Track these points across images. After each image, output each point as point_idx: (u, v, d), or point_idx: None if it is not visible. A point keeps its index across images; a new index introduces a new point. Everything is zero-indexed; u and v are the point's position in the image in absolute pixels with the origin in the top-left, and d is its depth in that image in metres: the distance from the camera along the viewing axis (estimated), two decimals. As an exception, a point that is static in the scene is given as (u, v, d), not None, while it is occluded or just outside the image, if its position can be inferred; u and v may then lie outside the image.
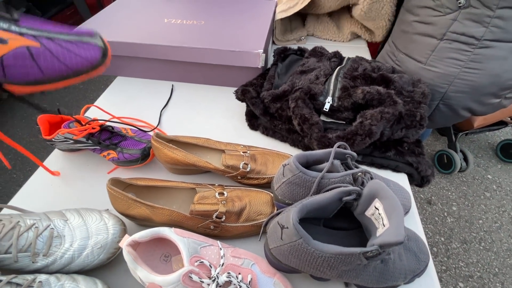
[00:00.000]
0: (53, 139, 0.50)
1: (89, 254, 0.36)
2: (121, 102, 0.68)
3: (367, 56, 0.81)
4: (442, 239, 1.28)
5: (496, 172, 1.54)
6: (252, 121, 0.61)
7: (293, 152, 0.56)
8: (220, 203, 0.41)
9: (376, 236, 0.30)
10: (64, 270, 0.36)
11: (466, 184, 1.49)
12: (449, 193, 1.45)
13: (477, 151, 1.65)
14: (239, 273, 0.34)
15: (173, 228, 0.35)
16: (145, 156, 0.50)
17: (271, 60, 0.77)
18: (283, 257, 0.33)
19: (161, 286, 0.31)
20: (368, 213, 0.33)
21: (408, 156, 0.51)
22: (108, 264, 0.39)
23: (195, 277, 0.31)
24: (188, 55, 0.65)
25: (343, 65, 0.61)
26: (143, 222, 0.43)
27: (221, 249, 0.35)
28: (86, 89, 2.07)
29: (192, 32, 0.68)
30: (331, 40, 0.89)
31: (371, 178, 0.38)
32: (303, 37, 0.88)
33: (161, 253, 0.38)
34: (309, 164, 0.40)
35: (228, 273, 0.32)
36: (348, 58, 0.64)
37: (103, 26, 0.70)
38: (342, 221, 0.38)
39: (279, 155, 0.51)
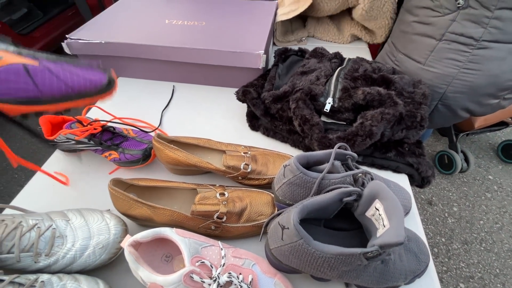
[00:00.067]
0: (55, 140, 0.51)
1: (91, 254, 0.36)
2: (123, 103, 0.68)
3: (368, 57, 0.82)
4: (443, 239, 1.28)
5: (497, 172, 1.54)
6: (253, 121, 0.61)
7: (293, 152, 0.57)
8: (221, 204, 0.41)
9: (377, 236, 0.31)
10: (66, 270, 0.36)
11: (467, 184, 1.49)
12: (450, 194, 1.45)
13: (478, 151, 1.65)
14: (240, 273, 0.34)
15: (174, 228, 0.35)
16: (146, 156, 0.50)
17: (271, 61, 0.78)
18: (283, 258, 0.33)
19: (162, 286, 0.31)
20: (369, 213, 0.33)
21: (408, 157, 0.51)
22: (110, 264, 0.39)
23: (196, 277, 0.31)
24: (189, 56, 0.65)
25: (343, 66, 0.61)
26: (145, 223, 0.43)
27: (222, 249, 0.35)
28: (87, 90, 2.07)
29: (193, 33, 0.68)
30: (331, 41, 0.89)
31: (372, 179, 0.38)
32: (303, 38, 0.88)
33: (162, 253, 0.38)
34: (309, 165, 0.40)
35: (229, 273, 0.33)
36: (349, 59, 0.64)
37: (105, 27, 0.71)
38: (343, 221, 0.38)
39: (279, 155, 0.51)
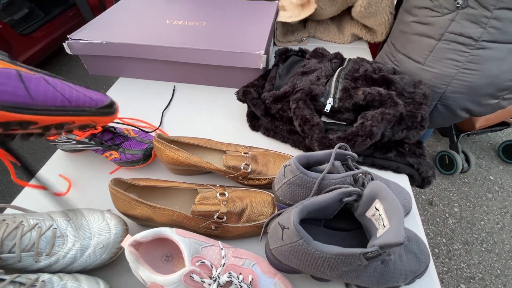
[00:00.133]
0: (56, 140, 0.51)
1: (91, 254, 0.37)
2: (123, 103, 0.68)
3: (368, 57, 0.81)
4: (444, 240, 1.28)
5: (498, 173, 1.54)
6: (253, 122, 0.61)
7: (294, 153, 0.57)
8: (221, 204, 0.41)
9: (377, 237, 0.31)
10: (67, 270, 0.36)
11: (468, 185, 1.49)
12: (451, 194, 1.45)
13: (479, 152, 1.65)
14: (240, 273, 0.34)
15: (174, 228, 0.35)
16: (147, 156, 0.51)
17: (272, 61, 0.78)
18: (283, 258, 0.33)
19: (162, 286, 0.31)
20: (369, 214, 0.33)
21: (409, 157, 0.51)
22: (110, 264, 0.39)
23: (196, 277, 0.31)
24: (189, 56, 0.65)
25: (344, 66, 0.61)
26: (145, 222, 0.43)
27: (222, 249, 0.35)
28: (88, 90, 2.08)
29: (194, 33, 0.68)
30: (332, 41, 0.89)
31: (372, 179, 0.38)
32: (304, 39, 0.88)
33: (162, 253, 0.38)
34: (309, 165, 0.40)
35: (229, 273, 0.33)
36: (349, 59, 0.64)
37: (105, 27, 0.71)
38: (343, 222, 0.38)
39: (280, 156, 0.51)
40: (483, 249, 1.25)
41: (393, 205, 0.30)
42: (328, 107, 0.53)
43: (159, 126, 0.61)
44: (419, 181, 0.52)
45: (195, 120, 0.64)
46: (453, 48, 0.60)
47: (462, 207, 1.40)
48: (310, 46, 0.85)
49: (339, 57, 0.64)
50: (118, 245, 0.38)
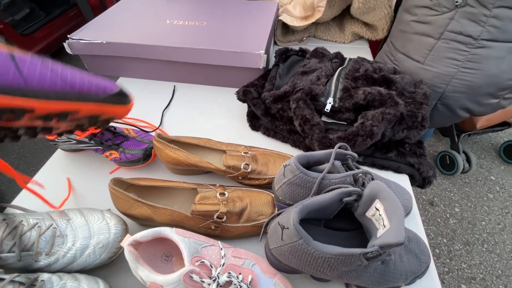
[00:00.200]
0: (56, 139, 0.51)
1: (91, 254, 0.37)
2: (123, 103, 0.68)
3: (369, 57, 0.81)
4: (445, 240, 1.28)
5: (499, 173, 1.53)
6: (253, 121, 0.61)
7: (294, 152, 0.56)
8: (221, 204, 0.41)
9: (377, 237, 0.30)
10: (66, 269, 0.36)
11: (469, 185, 1.48)
12: (452, 195, 1.45)
13: (480, 152, 1.64)
14: (240, 273, 0.34)
15: (174, 228, 0.35)
16: (147, 156, 0.50)
17: (272, 61, 0.77)
18: (283, 258, 0.33)
19: (162, 285, 0.31)
20: (369, 214, 0.33)
21: (409, 157, 0.51)
22: (110, 264, 0.39)
23: (195, 277, 0.31)
24: (190, 56, 0.65)
25: (344, 65, 0.61)
26: (145, 222, 0.43)
27: (222, 249, 0.35)
28: (89, 90, 2.08)
29: (194, 33, 0.68)
30: (332, 41, 0.89)
31: (372, 179, 0.38)
32: (304, 38, 0.88)
33: (162, 253, 0.38)
34: (310, 165, 0.40)
35: (229, 273, 0.33)
36: (350, 59, 0.64)
37: (106, 27, 0.71)
38: (343, 222, 0.38)
39: (280, 155, 0.51)
40: (484, 249, 1.24)
41: (394, 205, 0.30)
42: (328, 107, 0.53)
43: (159, 126, 0.61)
44: (420, 181, 0.52)
45: (195, 120, 0.64)
46: (453, 47, 0.60)
47: (463, 207, 1.39)
48: (310, 45, 0.85)
49: (339, 57, 0.64)
50: (117, 245, 0.38)
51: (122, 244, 0.33)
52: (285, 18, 0.80)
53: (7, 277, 0.31)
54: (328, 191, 0.35)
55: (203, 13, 0.77)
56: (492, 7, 0.53)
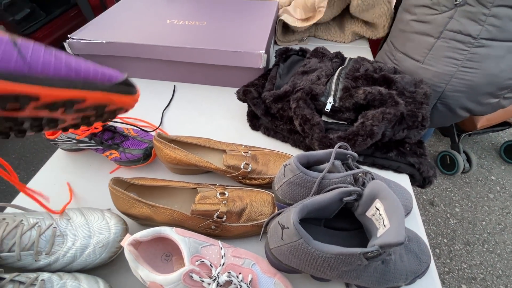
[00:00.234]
0: (56, 139, 0.51)
1: (91, 253, 0.37)
2: (124, 103, 0.68)
3: (369, 56, 0.81)
4: (445, 240, 1.27)
5: (500, 173, 1.53)
6: (254, 121, 0.61)
7: (294, 152, 0.56)
8: (221, 203, 0.41)
9: (377, 236, 0.30)
10: (66, 269, 0.36)
11: (469, 185, 1.48)
12: (452, 194, 1.44)
13: (481, 152, 1.64)
14: (240, 273, 0.34)
15: (174, 227, 0.35)
16: (147, 156, 0.50)
17: (272, 60, 0.77)
18: (283, 257, 0.33)
19: (162, 285, 0.31)
20: (369, 213, 0.33)
21: (409, 156, 0.51)
22: (110, 263, 0.39)
23: (195, 277, 0.31)
24: (190, 56, 0.65)
25: (344, 65, 0.61)
26: (145, 222, 0.43)
27: (221, 248, 0.35)
28: (89, 90, 2.08)
29: (194, 33, 0.68)
30: (332, 41, 0.89)
31: (372, 179, 0.38)
32: (305, 38, 0.88)
33: (162, 253, 0.38)
34: (310, 165, 0.40)
35: (229, 272, 0.33)
36: (350, 59, 0.64)
37: (106, 27, 0.71)
38: (343, 221, 0.38)
39: (280, 155, 0.51)
40: (485, 249, 1.24)
41: (394, 205, 0.30)
42: (328, 107, 0.53)
43: (159, 126, 0.61)
44: (420, 181, 0.52)
45: (195, 120, 0.64)
46: (452, 46, 0.60)
47: (463, 207, 1.39)
48: (310, 45, 0.85)
49: (339, 57, 0.64)
50: (117, 244, 0.38)
51: (122, 243, 0.33)
52: (286, 18, 0.80)
53: (7, 276, 0.31)
54: (328, 191, 0.34)
55: (203, 13, 0.77)
56: (491, 6, 0.53)
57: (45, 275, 0.33)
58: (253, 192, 0.45)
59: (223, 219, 0.40)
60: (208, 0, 0.84)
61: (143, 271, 0.32)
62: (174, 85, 0.73)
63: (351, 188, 0.33)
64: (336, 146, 0.37)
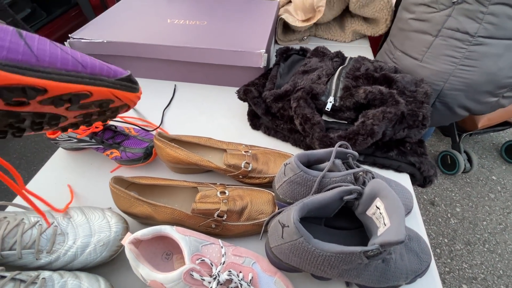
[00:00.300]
0: (57, 138, 0.51)
1: (91, 252, 0.37)
2: (124, 102, 0.68)
3: (370, 56, 0.81)
4: (446, 240, 1.27)
5: (501, 173, 1.53)
6: (254, 120, 0.61)
7: (294, 151, 0.56)
8: (222, 202, 0.41)
9: (377, 235, 0.30)
10: (67, 267, 0.36)
11: (470, 185, 1.48)
12: (453, 194, 1.44)
13: (481, 152, 1.64)
14: (240, 272, 0.34)
15: (174, 226, 0.35)
16: (147, 155, 0.51)
17: (273, 60, 0.78)
18: (284, 256, 0.33)
19: (162, 283, 0.31)
20: (369, 212, 0.33)
21: (410, 156, 0.51)
22: (111, 262, 0.39)
23: (196, 275, 0.31)
24: (190, 55, 0.65)
25: (345, 65, 0.61)
26: (145, 221, 0.43)
27: (222, 247, 0.35)
28: (90, 89, 2.09)
29: (195, 32, 0.68)
30: (333, 40, 0.89)
31: (373, 178, 0.38)
32: (305, 37, 0.88)
33: (162, 251, 0.38)
34: (310, 164, 0.40)
35: (229, 271, 0.33)
36: (350, 58, 0.64)
37: (107, 26, 0.71)
38: (343, 220, 0.38)
39: (280, 154, 0.51)
40: (486, 249, 1.24)
41: (394, 204, 0.30)
42: (329, 106, 0.53)
43: (159, 125, 0.62)
44: (421, 180, 0.52)
45: (196, 119, 0.64)
46: (450, 44, 0.60)
47: (464, 207, 1.39)
48: (311, 45, 0.85)
49: (340, 56, 0.64)
50: (118, 243, 0.38)
51: (122, 242, 0.34)
52: (287, 17, 0.80)
53: (8, 274, 0.31)
54: (329, 190, 0.35)
55: (203, 12, 0.77)
56: (488, 4, 0.53)
57: (46, 274, 0.33)
58: (254, 191, 0.45)
59: (224, 218, 0.40)
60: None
61: (143, 270, 0.32)
62: (175, 85, 0.73)
63: (352, 187, 0.33)
64: (337, 145, 0.37)
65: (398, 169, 0.52)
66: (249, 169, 0.46)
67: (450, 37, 0.60)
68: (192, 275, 0.31)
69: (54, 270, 0.35)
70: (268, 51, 0.65)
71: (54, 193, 0.50)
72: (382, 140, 0.50)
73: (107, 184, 0.49)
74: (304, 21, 0.82)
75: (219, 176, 0.52)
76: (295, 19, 0.82)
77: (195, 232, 0.36)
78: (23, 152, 1.67)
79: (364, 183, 0.35)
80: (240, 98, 0.60)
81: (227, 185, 0.45)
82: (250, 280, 0.33)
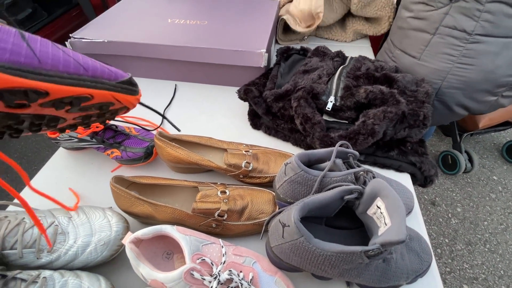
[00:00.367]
0: (58, 138, 0.51)
1: (92, 251, 0.37)
2: (125, 102, 0.68)
3: (370, 55, 0.81)
4: (446, 240, 1.27)
5: (502, 173, 1.53)
6: (255, 120, 0.61)
7: (295, 151, 0.56)
8: (222, 202, 0.41)
9: (378, 235, 0.30)
10: (68, 267, 0.36)
11: (471, 185, 1.48)
12: (454, 194, 1.44)
13: (482, 152, 1.64)
14: (241, 271, 0.34)
15: (175, 226, 0.35)
16: (148, 154, 0.51)
17: (274, 59, 0.77)
18: (284, 256, 0.33)
19: (163, 283, 0.31)
20: (370, 212, 0.33)
21: (411, 155, 0.50)
22: (111, 261, 0.39)
23: (196, 275, 0.31)
24: (191, 55, 0.65)
25: (346, 64, 0.61)
26: (146, 220, 0.43)
27: (222, 247, 0.35)
28: (91, 89, 2.09)
29: (196, 32, 0.68)
30: (334, 40, 0.89)
31: (373, 177, 0.38)
32: (306, 37, 0.88)
33: (163, 251, 0.38)
34: (311, 163, 0.40)
35: (230, 270, 0.33)
36: (351, 58, 0.64)
37: (108, 26, 0.71)
38: (344, 220, 0.38)
39: (281, 154, 0.51)
40: (486, 249, 1.24)
41: (395, 203, 0.30)
42: (329, 106, 0.53)
43: (160, 125, 0.62)
44: (421, 180, 0.52)
45: (197, 119, 0.64)
46: (448, 42, 0.60)
47: (465, 207, 1.39)
48: (312, 44, 0.85)
49: (341, 56, 0.64)
50: (119, 242, 0.38)
51: (123, 241, 0.34)
52: (288, 19, 0.80)
53: (9, 273, 0.31)
54: (329, 189, 0.34)
55: (204, 12, 0.77)
56: (485, 1, 0.53)
57: (46, 273, 0.33)
58: (254, 191, 0.45)
59: (224, 218, 0.40)
60: (209, -1, 0.84)
61: (144, 269, 0.32)
62: (175, 84, 0.73)
63: (352, 186, 0.33)
64: (337, 144, 0.37)
65: (399, 169, 0.52)
66: (250, 168, 0.46)
67: (448, 35, 0.60)
68: (193, 275, 0.31)
69: (55, 269, 0.35)
70: (268, 50, 0.65)
71: (55, 193, 0.49)
72: (383, 139, 0.50)
73: (108, 183, 0.49)
74: (305, 27, 0.82)
75: (219, 176, 0.52)
76: (296, 21, 0.81)
77: (196, 232, 0.36)
78: (24, 152, 1.68)
79: (364, 183, 0.35)
80: (240, 97, 0.60)
81: (228, 184, 0.45)
82: (251, 279, 0.33)
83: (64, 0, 2.22)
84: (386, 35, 0.85)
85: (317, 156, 0.39)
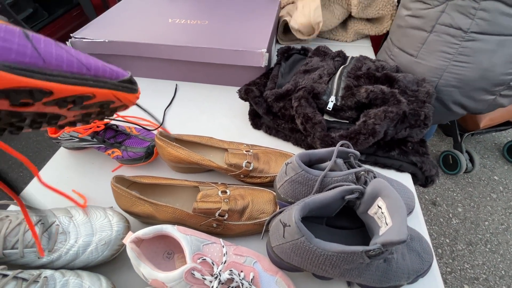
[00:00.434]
0: (59, 137, 0.51)
1: (93, 251, 0.37)
2: (126, 101, 0.68)
3: (371, 55, 0.81)
4: (447, 240, 1.27)
5: (503, 173, 1.52)
6: (255, 120, 0.61)
7: (296, 151, 0.56)
8: (223, 201, 0.41)
9: (379, 235, 0.30)
10: (69, 266, 0.37)
11: (472, 185, 1.48)
12: (455, 194, 1.44)
13: (483, 152, 1.63)
14: (241, 271, 0.34)
15: (176, 225, 0.35)
16: (149, 154, 0.51)
17: (274, 59, 0.77)
18: (285, 255, 0.33)
19: (163, 282, 0.31)
20: (371, 212, 0.33)
21: (412, 155, 0.50)
22: (112, 261, 0.40)
23: (197, 274, 0.31)
24: (192, 55, 0.65)
25: (346, 64, 0.61)
26: (147, 220, 0.43)
27: (223, 247, 0.35)
28: (92, 89, 2.09)
29: (196, 32, 0.68)
30: (334, 39, 0.89)
31: (374, 177, 0.38)
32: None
33: (164, 250, 0.38)
34: (311, 163, 0.40)
35: (230, 270, 0.33)
36: (352, 57, 0.63)
37: (108, 26, 0.71)
38: (345, 220, 0.38)
39: (282, 154, 0.51)
40: (487, 249, 1.23)
41: (396, 203, 0.30)
42: (330, 105, 0.53)
43: (161, 124, 0.62)
44: (422, 180, 0.52)
45: (197, 118, 0.64)
46: (444, 40, 0.60)
47: (466, 207, 1.39)
48: (312, 44, 0.85)
49: (341, 55, 0.64)
50: (119, 242, 0.38)
51: (124, 241, 0.34)
52: (289, 20, 0.80)
53: (10, 273, 0.31)
54: (330, 189, 0.34)
55: (205, 12, 0.77)
56: None
57: (47, 272, 0.33)
58: (255, 191, 0.45)
59: (225, 217, 0.40)
60: (210, -1, 0.84)
61: (145, 269, 0.32)
62: (176, 84, 0.73)
63: (353, 186, 0.33)
64: (338, 144, 0.37)
65: (399, 169, 0.52)
66: (250, 168, 0.46)
67: (444, 33, 0.60)
68: (194, 274, 0.31)
69: (56, 269, 0.35)
70: (269, 50, 0.65)
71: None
72: (384, 139, 0.50)
73: (109, 183, 0.49)
74: (308, 36, 0.82)
75: (220, 176, 0.52)
76: (297, 32, 0.81)
77: (197, 232, 0.36)
78: (25, 152, 1.68)
79: (365, 183, 0.35)
80: (241, 97, 0.60)
81: (228, 184, 0.45)
82: (251, 279, 0.33)
83: (64, 0, 2.22)
84: (386, 34, 0.85)
85: (318, 156, 0.39)
